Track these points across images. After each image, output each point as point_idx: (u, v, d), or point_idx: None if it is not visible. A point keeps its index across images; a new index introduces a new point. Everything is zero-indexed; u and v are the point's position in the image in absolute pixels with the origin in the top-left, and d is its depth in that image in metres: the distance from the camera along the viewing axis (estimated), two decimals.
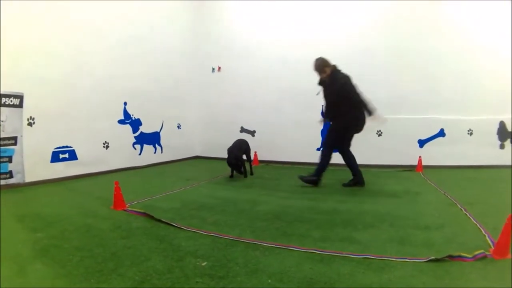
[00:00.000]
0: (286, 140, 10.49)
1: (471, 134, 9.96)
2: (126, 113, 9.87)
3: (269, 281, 3.15)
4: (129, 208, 5.67)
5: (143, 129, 10.58)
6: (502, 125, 9.81)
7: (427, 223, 4.82)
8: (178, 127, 12.22)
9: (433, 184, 7.67)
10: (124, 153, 9.92)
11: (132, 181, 8.38)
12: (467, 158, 9.89)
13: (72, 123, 8.30)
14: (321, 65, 7.31)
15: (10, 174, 7.17)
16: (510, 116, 9.64)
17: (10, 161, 7.15)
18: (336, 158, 9.94)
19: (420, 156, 9.77)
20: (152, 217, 5.13)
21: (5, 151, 7.05)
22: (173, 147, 11.88)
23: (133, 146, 10.31)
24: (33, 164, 7.52)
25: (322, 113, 10.86)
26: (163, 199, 6.50)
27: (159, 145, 11.33)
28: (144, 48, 10.31)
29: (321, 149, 7.55)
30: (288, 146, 11.13)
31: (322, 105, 10.60)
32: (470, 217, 5.02)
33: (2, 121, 6.97)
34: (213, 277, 3.22)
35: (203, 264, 3.50)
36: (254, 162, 9.60)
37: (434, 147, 10.11)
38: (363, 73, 9.13)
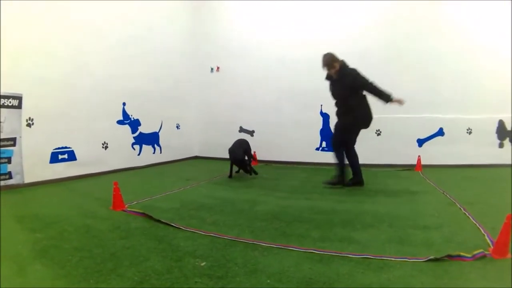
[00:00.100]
0: (285, 140, 10.52)
1: (470, 133, 9.96)
2: (125, 113, 9.86)
3: (268, 281, 3.15)
4: (128, 209, 5.66)
5: (142, 129, 10.57)
6: (501, 124, 9.82)
7: (426, 223, 4.82)
8: (177, 127, 12.22)
9: (432, 184, 7.67)
10: (123, 154, 9.92)
11: (131, 181, 8.38)
12: (466, 157, 9.89)
13: (71, 123, 8.29)
14: (330, 60, 7.21)
15: (9, 175, 7.16)
16: (509, 115, 9.64)
17: (9, 162, 7.14)
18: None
19: (419, 156, 9.78)
20: (151, 218, 5.13)
21: (4, 152, 7.04)
22: (172, 147, 11.88)
23: (132, 146, 10.30)
24: (32, 165, 7.51)
25: (321, 113, 10.86)
26: (162, 200, 6.50)
27: (158, 145, 11.33)
28: (143, 49, 10.31)
29: (333, 149, 7.47)
30: (287, 146, 11.13)
31: (321, 105, 10.63)
32: (469, 217, 5.02)
33: (1, 122, 6.96)
34: (212, 277, 3.22)
35: (202, 264, 3.50)
36: (253, 162, 9.61)
37: (433, 147, 10.12)
38: (363, 72, 9.17)
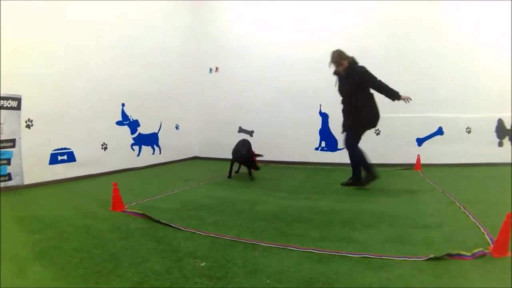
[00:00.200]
0: (285, 140, 10.52)
1: (469, 132, 9.97)
2: (124, 114, 9.85)
3: (268, 281, 3.15)
4: (128, 209, 5.66)
5: (141, 130, 10.55)
6: (500, 123, 9.83)
7: (426, 222, 4.83)
8: (176, 127, 12.20)
9: (431, 183, 7.68)
10: (122, 154, 9.91)
11: (131, 182, 8.37)
12: (466, 156, 9.90)
13: (70, 124, 8.28)
14: (338, 58, 7.14)
15: (9, 177, 7.15)
16: (508, 114, 9.65)
17: (8, 163, 7.13)
18: (334, 157, 10.01)
19: (418, 155, 9.79)
20: (150, 218, 5.13)
21: (3, 153, 7.02)
22: (172, 147, 11.86)
23: (132, 147, 10.28)
24: (31, 166, 7.49)
25: (320, 113, 10.87)
26: (162, 200, 6.49)
27: (158, 146, 11.31)
28: (142, 49, 10.29)
29: (348, 152, 7.42)
30: (286, 146, 11.12)
31: (321, 105, 10.64)
32: (469, 216, 5.04)
33: (1, 123, 6.96)
34: (212, 277, 3.22)
35: (202, 264, 3.50)
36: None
37: (433, 146, 10.12)
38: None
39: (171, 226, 4.78)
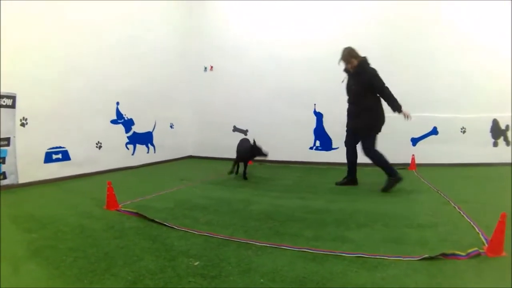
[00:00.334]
0: (279, 139, 10.51)
1: (464, 132, 10.01)
2: (118, 113, 9.84)
3: (262, 280, 3.16)
4: (122, 208, 5.65)
5: (136, 129, 10.55)
6: (495, 123, 9.87)
7: (421, 222, 4.84)
8: (171, 126, 12.19)
9: (426, 183, 7.71)
10: (117, 153, 9.90)
11: (125, 181, 8.37)
12: (461, 156, 9.95)
13: (65, 123, 8.27)
14: (348, 55, 7.13)
15: (3, 175, 7.13)
16: (502, 114, 9.69)
17: (3, 162, 7.10)
18: (329, 157, 10.02)
19: (413, 155, 9.82)
20: (145, 217, 5.13)
21: None
22: (166, 147, 11.86)
23: (126, 146, 10.28)
24: (26, 165, 7.48)
25: (315, 112, 10.88)
26: (156, 199, 6.49)
27: (152, 145, 11.30)
28: (136, 48, 10.28)
29: (369, 158, 7.27)
30: (281, 146, 11.11)
31: (315, 104, 10.65)
32: (464, 215, 5.05)
33: None
34: (206, 276, 3.23)
35: (196, 263, 3.51)
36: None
37: (427, 145, 10.15)
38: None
39: (165, 225, 4.78)
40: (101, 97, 9.19)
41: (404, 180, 6.94)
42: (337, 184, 7.64)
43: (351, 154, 7.54)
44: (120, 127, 9.98)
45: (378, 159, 7.05)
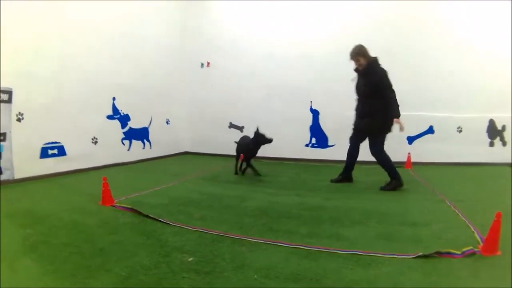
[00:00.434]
0: (275, 136, 10.40)
1: (460, 131, 10.01)
2: (114, 108, 9.82)
3: (256, 276, 3.17)
4: (117, 204, 5.66)
5: (132, 124, 10.53)
6: (491, 123, 9.87)
7: (416, 220, 4.86)
8: (167, 122, 12.18)
9: (421, 181, 7.72)
10: (113, 149, 9.89)
11: (121, 177, 8.37)
12: (457, 155, 9.97)
13: (61, 118, 8.25)
14: (354, 53, 7.06)
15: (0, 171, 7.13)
16: (499, 115, 9.70)
17: None
18: (325, 154, 10.01)
19: (409, 153, 9.82)
20: (139, 213, 5.13)
21: None
22: (162, 142, 11.85)
23: (122, 141, 10.26)
24: (22, 160, 7.45)
25: (311, 109, 10.88)
26: (151, 195, 6.49)
27: (148, 140, 11.28)
28: (133, 44, 10.27)
29: (376, 158, 7.22)
30: (276, 142, 11.01)
31: (311, 102, 10.66)
32: (459, 214, 5.06)
33: None
34: (200, 272, 3.24)
35: (190, 259, 3.52)
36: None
37: (424, 144, 10.16)
38: (353, 71, 9.18)
39: (160, 221, 4.79)
40: (97, 92, 9.17)
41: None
42: (332, 181, 7.65)
43: (353, 151, 7.53)
44: (116, 123, 9.97)
45: (385, 161, 7.07)
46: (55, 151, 8.17)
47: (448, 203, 5.70)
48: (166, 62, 11.89)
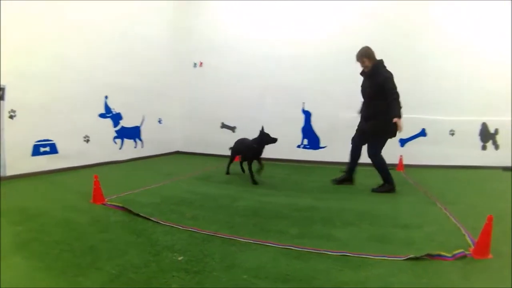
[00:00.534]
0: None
1: (453, 134, 10.05)
2: (107, 107, 9.82)
3: (245, 276, 3.18)
4: (108, 202, 5.66)
5: (124, 123, 10.53)
6: (484, 126, 9.91)
7: (407, 222, 4.87)
8: (159, 122, 12.17)
9: (413, 184, 7.73)
10: (104, 147, 9.87)
11: (112, 175, 8.37)
12: (449, 158, 10.04)
13: (53, 116, 8.24)
14: (359, 54, 7.06)
15: None
16: (492, 118, 9.72)
17: None
18: (316, 155, 10.01)
19: (401, 155, 9.84)
20: (130, 211, 5.14)
21: None
22: (154, 141, 11.84)
23: (114, 140, 10.25)
24: (14, 157, 7.43)
25: (303, 110, 10.89)
26: (143, 194, 6.49)
27: (140, 139, 11.28)
28: (126, 43, 10.27)
29: (372, 161, 7.17)
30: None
31: (304, 103, 10.66)
32: (450, 217, 5.09)
33: None
34: (189, 271, 3.25)
35: (180, 258, 3.53)
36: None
37: (416, 147, 10.18)
38: (346, 73, 9.18)
39: (151, 219, 4.80)
40: (90, 91, 9.17)
41: None
42: (333, 181, 7.66)
43: (355, 152, 7.50)
44: (108, 121, 9.96)
45: (381, 165, 7.07)
46: (47, 149, 8.16)
47: (440, 206, 5.72)
48: (159, 61, 11.89)
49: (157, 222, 4.72)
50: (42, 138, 8.03)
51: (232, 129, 12.04)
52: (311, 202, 6.01)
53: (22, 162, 7.61)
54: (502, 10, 9.53)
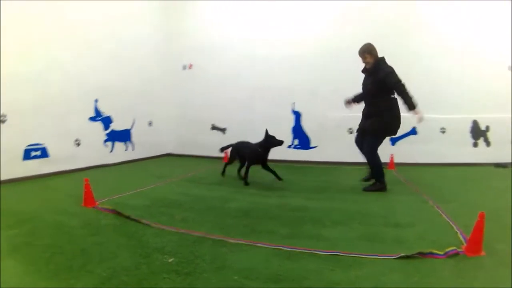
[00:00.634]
0: (257, 137, 10.38)
1: (443, 132, 10.07)
2: (97, 110, 9.80)
3: (236, 277, 3.18)
4: (99, 206, 5.67)
5: (114, 126, 10.51)
6: (475, 124, 9.94)
7: (398, 221, 4.88)
8: (150, 124, 12.14)
9: (405, 182, 7.74)
10: (95, 151, 9.86)
11: (103, 178, 8.34)
12: (440, 156, 10.06)
13: (44, 120, 8.22)
14: (361, 51, 7.08)
15: None
16: (483, 115, 9.77)
17: None
18: (307, 155, 10.00)
19: (392, 154, 9.83)
20: (121, 214, 5.14)
21: None
22: (145, 144, 11.81)
23: (105, 143, 10.24)
24: (5, 161, 7.42)
25: (293, 111, 10.89)
26: (134, 197, 6.50)
27: (131, 142, 11.27)
28: (115, 45, 10.24)
29: (367, 157, 7.17)
30: None
31: (293, 103, 10.69)
32: (442, 214, 5.09)
33: None
34: (180, 273, 3.26)
35: (170, 260, 3.54)
36: (225, 159, 9.54)
37: (407, 145, 10.17)
38: (334, 73, 9.20)
39: (141, 222, 4.80)
40: (80, 94, 9.15)
41: None
42: (362, 180, 7.65)
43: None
44: (99, 124, 9.95)
45: (375, 163, 7.06)
46: (38, 153, 8.15)
47: (432, 204, 5.73)
48: (149, 64, 11.85)
49: (148, 224, 4.71)
50: (33, 142, 8.02)
51: (223, 130, 12.04)
52: (302, 202, 6.01)
53: (14, 167, 7.59)
54: (490, 9, 9.59)
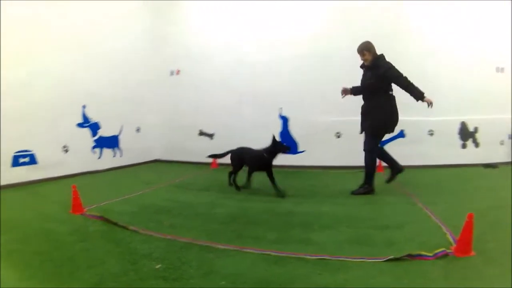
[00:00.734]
0: (245, 142, 10.35)
1: (431, 134, 10.12)
2: (84, 116, 9.79)
3: (223, 282, 3.19)
4: (87, 212, 5.66)
5: (102, 132, 10.48)
6: (463, 125, 9.99)
7: (387, 223, 4.88)
8: (137, 130, 12.13)
9: (393, 184, 7.66)
10: (83, 157, 9.84)
11: (91, 185, 8.31)
12: (429, 158, 10.11)
13: (32, 126, 8.20)
14: (361, 48, 7.13)
15: None
16: (471, 117, 9.85)
17: None
18: (294, 160, 10.00)
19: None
20: (109, 221, 5.13)
21: None
22: (133, 150, 11.78)
23: (93, 149, 10.23)
24: None
25: (280, 116, 10.88)
26: (122, 203, 6.49)
27: (119, 148, 11.26)
28: (103, 51, 10.20)
29: (365, 157, 7.19)
30: None
31: (281, 108, 10.68)
32: (431, 216, 5.10)
33: None
34: (167, 279, 3.27)
35: (157, 266, 3.54)
36: (213, 165, 9.50)
37: (395, 148, 10.08)
38: (322, 77, 9.21)
39: (129, 228, 4.80)
40: (67, 100, 9.13)
41: None
42: (387, 182, 7.51)
43: (380, 154, 7.45)
44: (87, 131, 9.93)
45: (371, 164, 7.07)
46: (27, 159, 8.13)
47: (421, 206, 5.75)
48: (136, 70, 11.82)
49: (136, 231, 4.71)
50: (22, 149, 8.00)
51: (210, 136, 12.04)
52: (289, 207, 6.02)
53: (2, 173, 7.55)
54: (477, 12, 9.66)
